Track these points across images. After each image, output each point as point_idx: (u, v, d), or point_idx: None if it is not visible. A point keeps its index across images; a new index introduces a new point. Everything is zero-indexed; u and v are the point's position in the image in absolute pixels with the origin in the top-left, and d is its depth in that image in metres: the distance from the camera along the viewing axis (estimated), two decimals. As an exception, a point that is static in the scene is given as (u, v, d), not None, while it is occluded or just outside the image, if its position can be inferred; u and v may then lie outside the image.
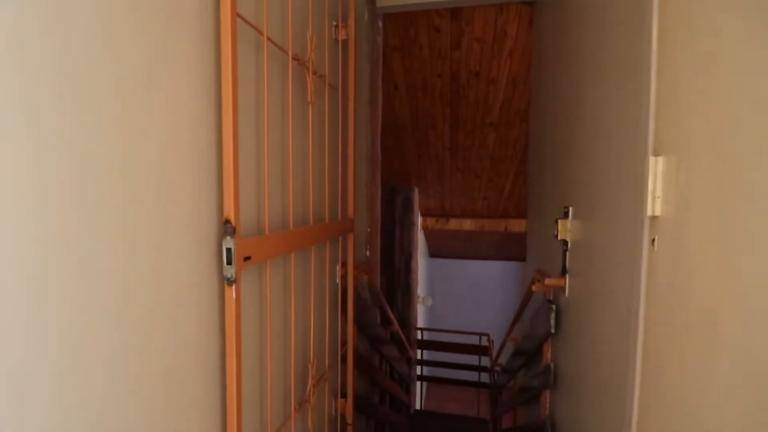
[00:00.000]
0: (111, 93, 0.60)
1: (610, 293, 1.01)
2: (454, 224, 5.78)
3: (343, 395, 1.69)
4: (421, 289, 5.93)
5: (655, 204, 0.75)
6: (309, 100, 1.21)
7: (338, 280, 1.63)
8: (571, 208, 1.43)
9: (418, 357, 4.93)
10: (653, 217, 0.76)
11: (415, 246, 5.06)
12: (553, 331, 1.58)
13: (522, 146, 4.08)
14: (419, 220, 5.42)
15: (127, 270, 0.64)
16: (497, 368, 3.50)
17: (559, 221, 1.45)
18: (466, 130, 3.98)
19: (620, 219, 0.94)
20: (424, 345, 5.23)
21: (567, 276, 1.45)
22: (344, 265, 1.66)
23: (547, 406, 1.72)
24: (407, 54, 3.18)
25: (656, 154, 0.76)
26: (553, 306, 1.58)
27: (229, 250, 0.83)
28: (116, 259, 0.62)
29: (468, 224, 5.72)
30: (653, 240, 0.76)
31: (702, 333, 0.61)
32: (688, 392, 0.64)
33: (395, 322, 2.99)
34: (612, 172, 1.01)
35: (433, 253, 7.72)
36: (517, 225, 5.46)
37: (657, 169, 0.75)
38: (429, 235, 6.53)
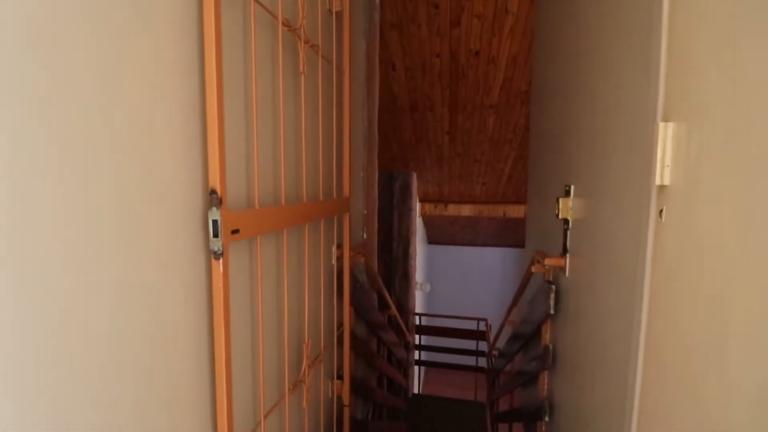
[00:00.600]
0: (82, 50, 0.56)
1: (614, 271, 0.98)
2: (452, 210, 5.76)
3: (340, 377, 1.67)
4: (419, 275, 5.92)
5: (663, 172, 0.71)
6: (301, 70, 1.16)
7: (334, 262, 1.59)
8: (572, 186, 1.39)
9: (416, 342, 4.94)
10: (661, 187, 0.73)
11: (414, 232, 5.04)
12: (552, 312, 1.55)
13: (522, 129, 4.02)
14: (417, 205, 5.39)
15: (102, 245, 0.60)
16: (495, 352, 3.50)
17: (560, 200, 1.41)
18: (466, 112, 3.92)
19: (626, 191, 0.91)
20: (422, 330, 5.24)
21: (568, 256, 1.42)
22: (340, 246, 1.62)
23: (545, 387, 1.70)
24: (405, 32, 3.10)
25: (666, 120, 0.72)
26: (553, 287, 1.55)
27: (215, 222, 0.79)
28: (90, 233, 0.58)
29: (467, 210, 5.71)
30: (661, 211, 0.73)
31: (711, 312, 0.58)
32: (695, 377, 0.61)
33: (393, 306, 2.97)
34: (618, 142, 0.97)
35: (432, 239, 7.71)
36: (515, 211, 5.45)
37: (666, 135, 0.71)
38: (427, 221, 6.50)
